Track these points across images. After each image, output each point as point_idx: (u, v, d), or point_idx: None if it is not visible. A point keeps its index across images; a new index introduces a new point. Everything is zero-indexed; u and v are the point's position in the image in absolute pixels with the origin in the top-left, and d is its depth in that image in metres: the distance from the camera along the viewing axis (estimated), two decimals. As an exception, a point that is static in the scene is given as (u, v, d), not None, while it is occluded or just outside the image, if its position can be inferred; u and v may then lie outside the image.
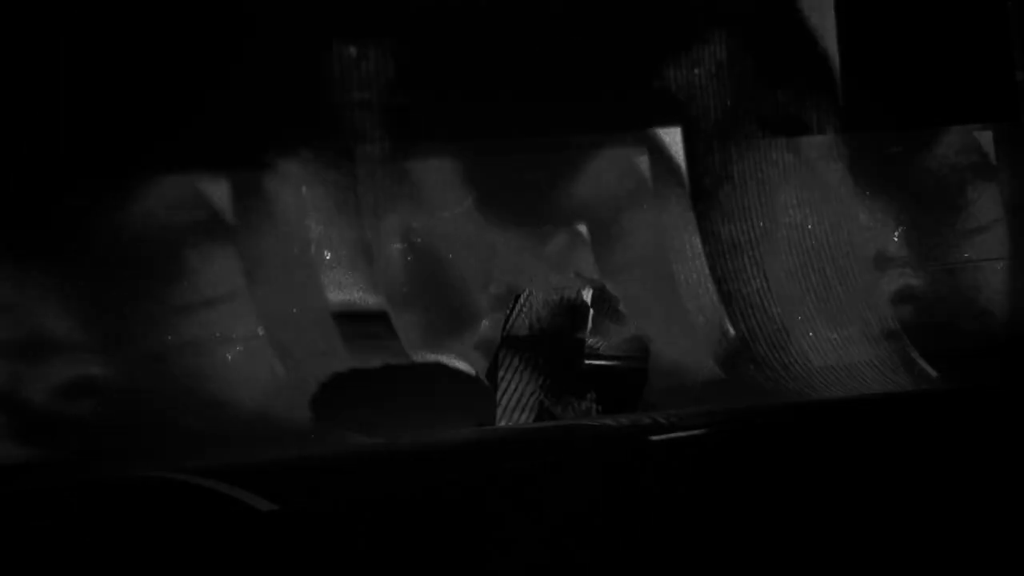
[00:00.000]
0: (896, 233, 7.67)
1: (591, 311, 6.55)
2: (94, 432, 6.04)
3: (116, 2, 6.36)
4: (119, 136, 6.32)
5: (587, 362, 6.51)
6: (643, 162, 7.29)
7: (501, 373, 6.46)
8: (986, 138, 7.90)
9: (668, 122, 7.33)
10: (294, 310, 6.58)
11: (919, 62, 7.66)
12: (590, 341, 6.51)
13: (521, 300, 6.57)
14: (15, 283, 6.12)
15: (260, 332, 6.47)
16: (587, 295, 6.62)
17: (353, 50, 6.75)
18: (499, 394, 6.43)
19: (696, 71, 7.38)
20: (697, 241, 7.29)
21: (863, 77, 7.59)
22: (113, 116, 6.30)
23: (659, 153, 7.32)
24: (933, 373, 7.14)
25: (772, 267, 7.38)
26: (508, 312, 6.56)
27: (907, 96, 7.66)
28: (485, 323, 6.83)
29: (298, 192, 6.64)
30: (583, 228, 7.14)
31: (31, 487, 5.13)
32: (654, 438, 5.26)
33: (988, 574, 3.96)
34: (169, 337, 6.35)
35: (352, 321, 6.62)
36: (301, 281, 6.61)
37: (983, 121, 7.86)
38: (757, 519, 4.21)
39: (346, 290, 6.67)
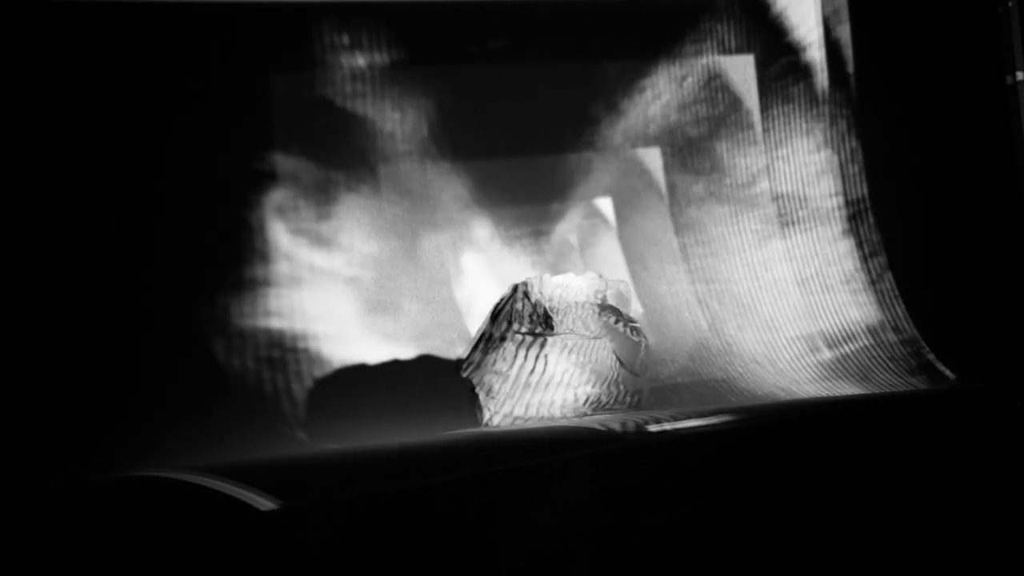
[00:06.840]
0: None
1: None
2: (94, 433, 6.03)
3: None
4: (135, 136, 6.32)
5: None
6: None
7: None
8: (980, 139, 7.93)
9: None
10: (306, 304, 6.59)
11: (921, 64, 7.71)
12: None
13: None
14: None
15: (267, 324, 6.49)
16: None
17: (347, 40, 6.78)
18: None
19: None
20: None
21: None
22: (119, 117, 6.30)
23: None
24: (950, 375, 7.14)
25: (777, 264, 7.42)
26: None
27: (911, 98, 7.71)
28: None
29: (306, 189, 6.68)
30: None
31: (32, 487, 5.14)
32: (656, 439, 5.27)
33: (989, 572, 3.97)
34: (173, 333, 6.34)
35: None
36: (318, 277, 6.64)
37: (979, 123, 7.88)
38: (760, 518, 4.21)
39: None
